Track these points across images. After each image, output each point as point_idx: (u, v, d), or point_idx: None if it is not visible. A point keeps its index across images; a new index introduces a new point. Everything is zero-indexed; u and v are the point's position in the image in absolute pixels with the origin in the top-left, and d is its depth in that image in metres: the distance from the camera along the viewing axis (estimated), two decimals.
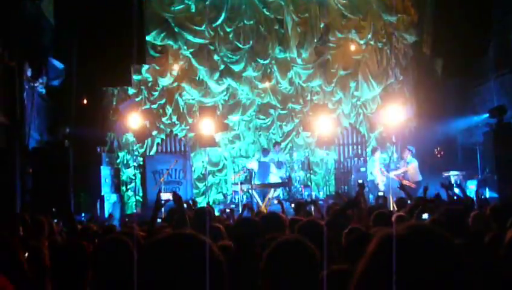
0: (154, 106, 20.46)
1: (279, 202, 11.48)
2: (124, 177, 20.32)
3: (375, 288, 1.70)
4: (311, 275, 3.11)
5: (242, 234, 5.33)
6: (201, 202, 19.44)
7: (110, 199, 17.92)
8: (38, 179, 14.66)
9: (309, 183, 19.21)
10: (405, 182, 16.27)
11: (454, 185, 13.82)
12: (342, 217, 6.52)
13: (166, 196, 13.12)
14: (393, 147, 18.85)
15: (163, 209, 8.81)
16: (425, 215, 7.07)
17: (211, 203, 19.42)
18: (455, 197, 9.50)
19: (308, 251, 3.21)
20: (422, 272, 1.66)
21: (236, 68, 20.47)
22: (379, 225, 6.16)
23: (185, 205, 8.27)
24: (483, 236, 4.43)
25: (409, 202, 9.76)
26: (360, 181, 11.20)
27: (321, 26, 20.48)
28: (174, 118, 20.68)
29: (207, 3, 20.06)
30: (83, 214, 15.34)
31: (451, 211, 6.07)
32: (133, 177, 20.06)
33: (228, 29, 20.30)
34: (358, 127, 21.24)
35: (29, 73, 15.45)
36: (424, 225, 1.85)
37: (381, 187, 17.51)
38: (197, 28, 19.97)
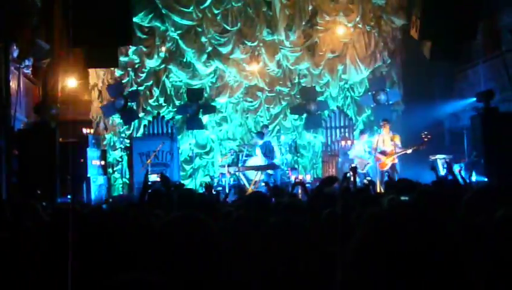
0: (141, 88, 20.36)
1: (266, 185, 11.47)
2: (110, 159, 20.28)
3: (367, 268, 1.69)
4: (298, 257, 3.10)
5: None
6: (188, 184, 19.46)
7: (96, 181, 17.88)
8: (25, 161, 14.61)
9: (296, 166, 19.24)
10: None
11: (444, 167, 13.85)
12: (322, 197, 6.51)
13: (153, 177, 13.11)
14: (380, 130, 18.82)
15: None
16: (404, 197, 6.95)
17: (197, 186, 19.46)
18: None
19: (295, 231, 3.20)
20: (409, 248, 1.65)
21: (223, 50, 20.35)
22: (367, 208, 6.15)
23: (172, 187, 8.25)
24: (474, 217, 4.44)
25: None
26: (353, 165, 11.20)
27: (309, 8, 20.39)
28: (161, 100, 20.59)
29: None
30: (68, 196, 15.28)
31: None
32: (120, 159, 20.03)
33: (216, 11, 20.15)
34: (345, 110, 21.25)
35: (15, 54, 15.35)
36: (408, 204, 1.84)
37: (364, 170, 17.50)
38: (185, 9, 19.83)
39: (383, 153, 17.11)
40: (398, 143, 17.24)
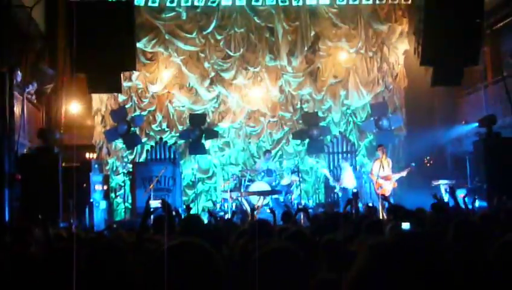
0: (144, 113, 20.38)
1: (271, 211, 11.45)
2: (113, 184, 20.26)
3: None
4: (300, 284, 3.09)
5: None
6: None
7: (99, 205, 17.85)
8: (27, 186, 14.60)
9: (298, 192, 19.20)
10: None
11: (446, 193, 13.81)
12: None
13: (155, 203, 13.06)
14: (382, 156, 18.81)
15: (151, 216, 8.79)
16: (405, 225, 6.82)
17: (200, 211, 19.41)
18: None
19: (297, 258, 3.19)
20: (410, 279, 1.65)
21: (226, 75, 20.43)
22: (371, 234, 6.15)
23: (174, 213, 8.26)
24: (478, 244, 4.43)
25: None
26: (355, 190, 11.19)
27: (311, 34, 20.50)
28: (164, 125, 20.62)
29: (198, 10, 20.07)
30: (72, 221, 15.24)
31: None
32: (122, 184, 20.02)
33: (219, 37, 20.27)
34: (348, 136, 21.23)
35: (19, 79, 15.42)
36: (412, 233, 1.84)
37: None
38: (188, 35, 19.95)
39: (383, 178, 17.17)
40: (390, 168, 17.46)
